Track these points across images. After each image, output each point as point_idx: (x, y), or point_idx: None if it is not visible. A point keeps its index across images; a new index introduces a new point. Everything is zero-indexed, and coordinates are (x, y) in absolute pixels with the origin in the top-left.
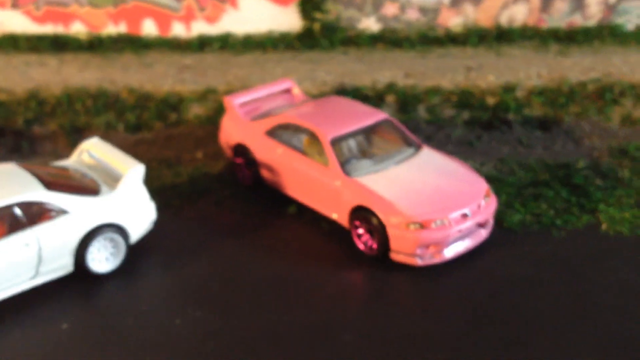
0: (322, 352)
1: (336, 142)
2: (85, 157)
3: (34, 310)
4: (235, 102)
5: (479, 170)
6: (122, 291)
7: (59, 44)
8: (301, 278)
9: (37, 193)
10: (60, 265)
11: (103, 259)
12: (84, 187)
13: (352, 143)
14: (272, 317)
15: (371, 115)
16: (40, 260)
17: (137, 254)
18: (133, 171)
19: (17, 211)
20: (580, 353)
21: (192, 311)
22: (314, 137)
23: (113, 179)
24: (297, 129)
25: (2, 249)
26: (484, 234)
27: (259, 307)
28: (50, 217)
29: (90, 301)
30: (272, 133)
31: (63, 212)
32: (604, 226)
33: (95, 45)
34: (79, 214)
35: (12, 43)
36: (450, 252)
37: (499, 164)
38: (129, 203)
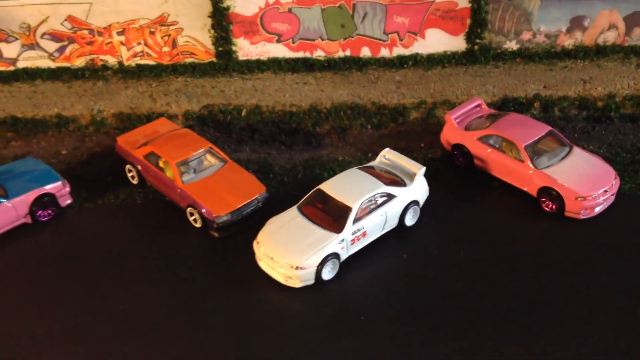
0: (525, 273)
1: (527, 147)
2: (383, 160)
3: (384, 248)
4: (452, 117)
5: (599, 153)
6: (424, 235)
7: (307, 64)
8: (509, 226)
9: (384, 188)
10: (393, 224)
11: (409, 218)
12: (399, 181)
13: (532, 147)
14: (500, 251)
15: (542, 127)
16: (385, 222)
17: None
18: (421, 170)
19: (377, 197)
20: None
21: (463, 247)
22: (511, 144)
23: (405, 173)
24: (498, 137)
25: (372, 219)
26: (612, 198)
27: (490, 243)
28: (389, 200)
29: (409, 241)
30: (482, 139)
31: (394, 196)
32: None
33: (331, 65)
34: (401, 197)
35: (275, 64)
36: (597, 210)
37: (609, 147)
38: (420, 188)
